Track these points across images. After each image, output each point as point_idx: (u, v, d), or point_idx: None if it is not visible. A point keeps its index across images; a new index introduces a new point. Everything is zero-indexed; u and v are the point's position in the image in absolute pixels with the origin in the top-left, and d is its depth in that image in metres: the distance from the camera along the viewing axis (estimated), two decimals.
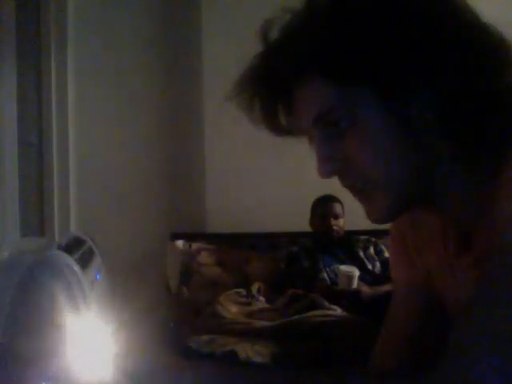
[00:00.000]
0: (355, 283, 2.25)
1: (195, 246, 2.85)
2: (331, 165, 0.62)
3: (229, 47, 2.89)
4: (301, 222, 2.64)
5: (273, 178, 2.94)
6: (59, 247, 0.55)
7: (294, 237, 2.82)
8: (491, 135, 0.59)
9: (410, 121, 0.59)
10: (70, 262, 0.52)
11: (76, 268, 0.52)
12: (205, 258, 2.77)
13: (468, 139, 0.59)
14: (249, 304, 2.24)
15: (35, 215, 2.87)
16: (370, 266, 2.45)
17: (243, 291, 2.37)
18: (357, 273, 2.26)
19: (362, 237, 2.62)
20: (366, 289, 2.23)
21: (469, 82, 0.57)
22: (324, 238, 2.57)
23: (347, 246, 2.55)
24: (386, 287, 2.10)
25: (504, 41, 0.59)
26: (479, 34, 0.59)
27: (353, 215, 2.56)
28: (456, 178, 0.62)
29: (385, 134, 0.59)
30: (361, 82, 0.58)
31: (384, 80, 0.58)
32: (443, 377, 0.50)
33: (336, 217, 2.56)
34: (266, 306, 2.24)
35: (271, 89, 0.65)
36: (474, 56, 0.58)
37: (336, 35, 0.58)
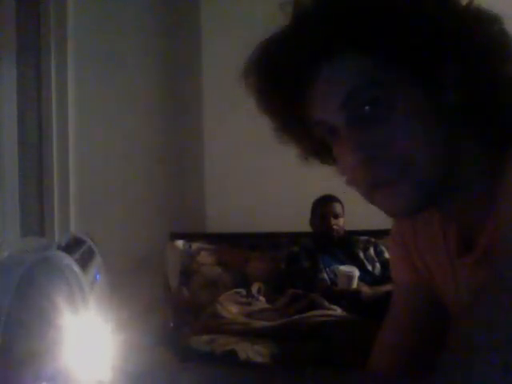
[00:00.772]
0: (355, 283, 2.25)
1: (195, 245, 2.85)
2: (363, 150, 0.56)
3: (229, 45, 2.89)
4: (301, 222, 2.64)
5: (273, 178, 2.94)
6: (59, 247, 0.55)
7: (294, 237, 2.82)
8: (494, 135, 0.59)
9: (441, 105, 0.56)
10: (69, 262, 0.52)
11: (76, 268, 0.52)
12: (205, 257, 2.77)
13: (487, 128, 0.58)
14: (249, 304, 2.24)
15: (35, 215, 2.87)
16: (369, 267, 2.45)
17: (243, 291, 2.37)
18: (357, 273, 2.26)
19: (362, 237, 2.63)
20: (365, 289, 2.23)
21: (495, 72, 0.56)
22: (324, 238, 2.57)
23: (347, 247, 2.55)
24: (386, 287, 2.10)
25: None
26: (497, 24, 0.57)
27: (353, 215, 2.57)
28: (467, 176, 0.61)
29: (419, 117, 0.56)
30: (401, 59, 0.55)
31: (425, 61, 0.54)
32: (445, 377, 0.49)
33: (336, 216, 2.56)
34: (266, 305, 2.24)
35: (289, 71, 0.58)
36: (499, 46, 0.57)
37: (370, 11, 0.54)
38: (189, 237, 2.91)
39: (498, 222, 0.55)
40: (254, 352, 1.77)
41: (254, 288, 2.41)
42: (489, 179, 0.59)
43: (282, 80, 0.60)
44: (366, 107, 0.56)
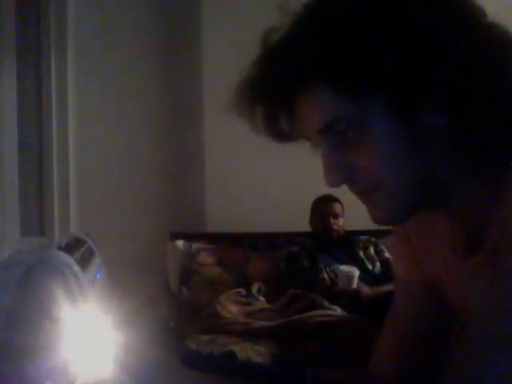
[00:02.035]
0: (355, 283, 2.25)
1: (195, 245, 2.85)
2: (339, 174, 0.61)
3: (229, 47, 2.89)
4: (301, 222, 2.64)
5: (273, 178, 2.94)
6: (59, 247, 0.55)
7: (294, 237, 2.82)
8: (499, 138, 0.59)
9: (418, 128, 0.58)
10: (69, 261, 0.52)
11: (76, 268, 0.52)
12: (205, 257, 2.77)
13: (477, 143, 0.59)
14: (249, 304, 2.24)
15: (35, 215, 2.87)
16: (370, 266, 2.45)
17: (243, 291, 2.37)
18: (357, 273, 2.26)
19: (362, 237, 2.63)
20: (365, 289, 2.23)
21: (477, 88, 0.56)
22: (324, 238, 2.57)
23: (347, 246, 2.55)
24: (386, 287, 2.10)
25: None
26: (489, 38, 0.57)
27: (353, 215, 2.56)
28: (464, 181, 0.61)
29: (393, 142, 0.59)
30: (369, 91, 0.57)
31: (394, 89, 0.56)
32: (457, 379, 0.50)
33: (336, 216, 2.56)
34: (266, 305, 2.24)
35: (272, 97, 0.63)
36: (486, 66, 0.57)
37: (342, 42, 0.56)
38: (189, 237, 2.91)
39: (503, 221, 0.55)
40: (254, 352, 1.77)
41: (254, 288, 2.42)
42: (497, 181, 0.59)
43: (264, 107, 0.64)
44: (342, 133, 0.59)
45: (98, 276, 0.66)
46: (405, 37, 0.55)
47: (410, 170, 0.60)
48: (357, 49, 0.55)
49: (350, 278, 2.25)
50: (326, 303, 2.10)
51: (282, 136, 0.67)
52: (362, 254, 2.52)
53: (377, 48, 0.55)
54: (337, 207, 2.57)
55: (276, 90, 0.61)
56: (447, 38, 0.56)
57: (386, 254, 2.51)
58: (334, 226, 2.55)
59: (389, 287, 2.02)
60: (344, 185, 0.65)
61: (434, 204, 0.64)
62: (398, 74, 0.55)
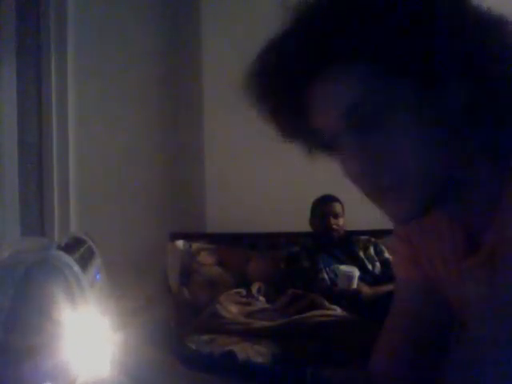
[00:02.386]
0: (355, 283, 2.25)
1: (195, 246, 2.85)
2: (361, 164, 0.58)
3: (229, 47, 2.89)
4: (301, 222, 2.64)
5: (273, 178, 2.94)
6: (59, 247, 0.55)
7: (294, 237, 2.82)
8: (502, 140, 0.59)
9: (445, 115, 0.56)
10: (69, 261, 0.52)
11: (76, 268, 0.52)
12: (205, 257, 2.77)
13: (491, 134, 0.58)
14: (249, 304, 2.24)
15: (35, 215, 2.87)
16: (369, 267, 2.45)
17: (243, 291, 2.37)
18: (357, 273, 2.26)
19: (362, 237, 2.63)
20: (365, 289, 2.23)
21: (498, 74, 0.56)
22: (324, 238, 2.57)
23: (347, 246, 2.55)
24: (386, 287, 2.10)
25: None
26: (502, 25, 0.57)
27: (353, 215, 2.57)
28: (473, 179, 0.61)
29: (422, 127, 0.56)
30: (401, 71, 0.54)
31: (425, 70, 0.54)
32: (457, 379, 0.50)
33: (336, 216, 2.56)
34: (266, 305, 2.24)
35: (289, 80, 0.58)
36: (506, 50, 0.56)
37: (376, 14, 0.53)
38: (189, 237, 2.91)
39: (504, 221, 0.55)
40: (253, 352, 1.77)
41: (254, 288, 2.41)
42: (496, 182, 0.59)
43: (280, 91, 0.60)
44: (366, 118, 0.56)
45: (97, 276, 0.66)
46: (426, 21, 0.53)
47: (434, 158, 0.57)
48: (383, 27, 0.53)
49: (349, 278, 2.25)
50: (326, 303, 2.09)
51: (289, 128, 0.64)
52: (361, 254, 2.52)
53: (402, 29, 0.53)
54: (337, 207, 2.57)
55: (296, 73, 0.57)
56: (469, 19, 0.55)
57: (386, 254, 2.50)
58: (334, 226, 2.55)
59: (389, 287, 2.02)
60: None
61: (445, 202, 0.63)
62: (425, 53, 0.53)
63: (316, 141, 0.65)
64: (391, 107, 0.56)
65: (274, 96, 0.61)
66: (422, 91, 0.55)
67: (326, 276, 2.41)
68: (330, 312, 2.03)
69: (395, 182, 0.58)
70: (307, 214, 2.65)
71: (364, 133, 0.57)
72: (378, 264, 2.48)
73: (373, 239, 2.61)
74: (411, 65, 0.54)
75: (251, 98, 0.62)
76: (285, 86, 0.59)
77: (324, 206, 2.59)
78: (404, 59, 0.54)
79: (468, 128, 0.58)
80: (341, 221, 2.58)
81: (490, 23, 0.56)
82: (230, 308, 2.16)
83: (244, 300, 2.28)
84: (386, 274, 2.37)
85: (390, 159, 0.57)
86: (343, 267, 2.32)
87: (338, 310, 2.06)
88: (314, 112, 0.60)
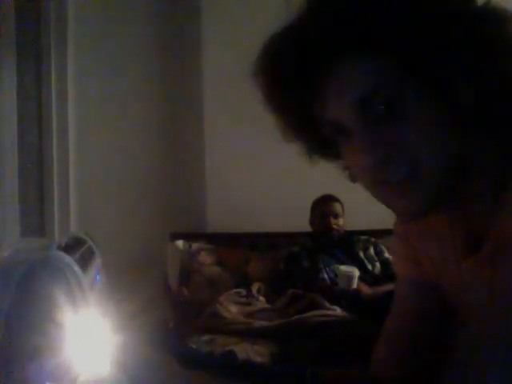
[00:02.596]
0: (355, 283, 2.25)
1: (195, 245, 2.85)
2: (377, 151, 0.56)
3: (229, 47, 2.89)
4: (301, 222, 2.64)
5: (273, 178, 2.94)
6: (59, 247, 0.55)
7: (294, 237, 2.82)
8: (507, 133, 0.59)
9: (458, 109, 0.56)
10: (70, 261, 0.52)
11: (76, 268, 0.52)
12: (205, 257, 2.77)
13: (492, 140, 0.58)
14: (249, 304, 2.24)
15: (35, 215, 2.87)
16: (369, 267, 2.45)
17: (243, 291, 2.37)
18: (357, 273, 2.26)
19: (362, 237, 2.63)
20: (365, 289, 2.23)
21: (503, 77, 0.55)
22: (324, 238, 2.57)
23: (347, 246, 2.55)
24: (386, 287, 2.10)
25: None
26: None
27: (353, 215, 2.57)
28: (476, 178, 0.61)
29: (433, 120, 0.56)
30: (415, 60, 0.54)
31: (439, 62, 0.53)
32: (458, 379, 0.50)
33: (336, 216, 2.56)
34: (266, 305, 2.24)
35: (299, 69, 0.57)
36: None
37: (393, 5, 0.53)
38: (189, 237, 2.91)
39: (504, 221, 0.55)
40: (253, 352, 1.77)
41: (254, 288, 2.41)
42: (497, 181, 0.59)
43: (291, 79, 0.59)
44: (380, 108, 0.56)
45: (97, 277, 0.66)
46: (445, 14, 0.53)
47: (449, 149, 0.57)
48: (398, 19, 0.53)
49: (349, 278, 2.25)
50: (326, 303, 2.09)
51: (299, 119, 0.62)
52: (361, 254, 2.51)
53: (417, 21, 0.53)
54: (337, 207, 2.57)
55: (312, 57, 0.56)
56: (481, 17, 0.55)
57: (386, 254, 2.50)
58: (334, 226, 2.55)
59: (389, 287, 2.02)
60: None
61: (449, 201, 0.62)
62: (438, 49, 0.53)
63: (318, 140, 0.65)
64: (403, 99, 0.55)
65: (285, 84, 0.60)
66: (435, 86, 0.55)
67: (326, 276, 2.41)
68: (329, 312, 2.03)
69: (405, 175, 0.57)
70: (307, 214, 2.65)
71: (376, 124, 0.57)
72: (377, 264, 2.48)
73: (373, 239, 2.61)
74: (425, 59, 0.54)
75: (260, 87, 0.61)
76: (297, 73, 0.58)
77: (324, 206, 2.59)
78: (418, 53, 0.53)
79: (476, 127, 0.58)
80: (341, 221, 2.58)
81: (497, 19, 0.56)
82: (230, 308, 2.16)
83: (244, 300, 2.28)
84: (386, 274, 2.37)
85: (401, 152, 0.56)
86: (343, 267, 2.32)
87: (337, 310, 2.05)
88: (326, 101, 0.59)
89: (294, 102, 0.61)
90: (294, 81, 0.59)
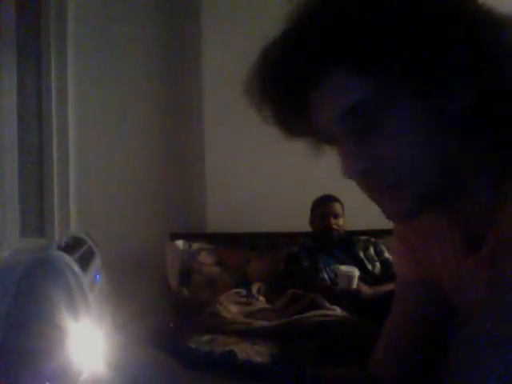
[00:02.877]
0: (355, 283, 2.25)
1: (195, 246, 2.85)
2: (359, 161, 0.58)
3: (229, 47, 2.90)
4: (301, 222, 2.64)
5: (273, 178, 2.94)
6: (59, 247, 0.55)
7: (294, 237, 2.82)
8: (503, 136, 0.59)
9: (441, 118, 0.56)
10: (69, 261, 0.52)
11: (76, 268, 0.52)
12: (205, 257, 2.77)
13: (491, 135, 0.58)
14: (249, 304, 2.24)
15: (35, 215, 2.87)
16: (369, 267, 2.45)
17: (243, 291, 2.37)
18: (357, 273, 2.26)
19: (362, 237, 2.63)
20: (365, 289, 2.23)
21: (500, 80, 0.56)
22: (324, 238, 2.57)
23: (347, 247, 2.55)
24: (386, 287, 2.10)
25: None
26: (503, 27, 0.56)
27: (353, 215, 2.57)
28: (473, 179, 0.61)
29: (415, 128, 0.57)
30: (394, 75, 0.55)
31: (420, 75, 0.54)
32: (457, 379, 0.50)
33: (336, 216, 2.56)
34: (266, 306, 2.24)
35: (287, 84, 0.59)
36: (503, 53, 0.56)
37: (365, 26, 0.53)
38: (189, 237, 2.91)
39: (504, 221, 0.55)
40: (253, 352, 1.77)
41: (254, 288, 2.42)
42: (496, 181, 0.59)
43: (280, 93, 0.61)
44: (363, 121, 0.57)
45: (97, 277, 0.66)
46: (428, 23, 0.54)
47: (431, 160, 0.58)
48: (381, 33, 0.53)
49: (349, 278, 2.25)
50: (326, 303, 2.09)
51: (291, 129, 0.65)
52: (361, 254, 2.52)
53: (401, 34, 0.53)
54: (337, 207, 2.57)
55: (292, 76, 0.58)
56: (467, 24, 0.55)
57: (386, 255, 2.51)
58: (334, 226, 2.55)
59: (389, 287, 2.02)
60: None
61: (443, 202, 0.63)
62: (421, 59, 0.54)
63: (320, 138, 0.66)
64: (387, 112, 0.56)
65: (276, 100, 0.62)
66: (421, 96, 0.56)
67: (326, 276, 2.41)
68: (329, 312, 2.03)
69: (392, 182, 0.59)
70: (307, 214, 2.65)
71: (360, 136, 0.58)
72: (377, 264, 2.48)
73: (373, 239, 2.61)
74: (410, 74, 0.54)
75: (252, 103, 0.63)
76: (286, 90, 0.60)
77: (324, 206, 2.59)
78: (402, 68, 0.54)
79: (468, 130, 0.58)
80: (341, 221, 2.58)
81: (490, 23, 0.56)
82: (230, 308, 2.16)
83: (244, 300, 2.29)
84: (386, 274, 2.38)
85: (384, 163, 0.58)
86: (343, 267, 2.32)
87: (337, 310, 2.06)
88: (313, 113, 0.61)
89: (287, 116, 0.63)
90: (281, 94, 0.61)
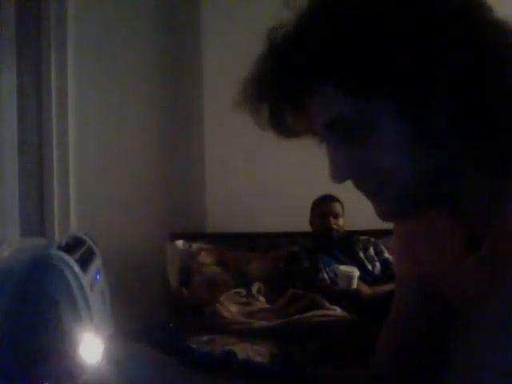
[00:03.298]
0: (355, 283, 2.25)
1: (195, 246, 2.85)
2: (345, 169, 0.62)
3: (228, 47, 2.90)
4: (301, 222, 2.64)
5: (273, 178, 2.94)
6: (59, 247, 0.55)
7: (294, 237, 2.82)
8: (503, 136, 0.59)
9: (424, 126, 0.58)
10: (70, 261, 0.52)
11: (76, 268, 0.52)
12: (205, 257, 2.77)
13: (481, 142, 0.59)
14: (249, 304, 2.24)
15: (35, 215, 2.87)
16: (369, 267, 2.45)
17: (243, 291, 2.37)
18: (356, 273, 2.26)
19: (362, 237, 2.63)
20: (365, 289, 2.23)
21: (485, 86, 0.56)
22: (324, 238, 2.57)
23: (347, 247, 2.55)
24: (386, 287, 2.10)
25: None
26: (496, 35, 0.57)
27: (353, 215, 2.57)
28: (468, 179, 0.61)
29: (398, 139, 0.59)
30: (375, 93, 0.57)
31: (399, 89, 0.56)
32: (457, 379, 0.50)
33: (335, 216, 2.56)
34: (266, 306, 2.24)
35: (281, 95, 0.63)
36: (491, 61, 0.56)
37: (349, 44, 0.55)
38: (189, 237, 2.91)
39: (504, 221, 0.55)
40: (253, 352, 1.77)
41: (254, 288, 2.42)
42: (499, 181, 0.59)
43: (272, 104, 0.64)
44: (347, 131, 0.60)
45: (97, 276, 0.66)
46: (413, 40, 0.54)
47: (415, 166, 0.59)
48: (364, 52, 0.55)
49: (349, 278, 2.25)
50: (326, 303, 2.09)
51: (288, 132, 0.67)
52: (361, 254, 2.52)
53: (385, 52, 0.55)
54: (337, 207, 2.57)
55: (285, 89, 0.62)
56: (456, 39, 0.55)
57: (386, 255, 2.51)
58: (334, 226, 2.55)
59: (389, 287, 2.02)
60: (344, 184, 0.64)
61: (439, 202, 0.64)
62: (406, 75, 0.55)
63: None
64: (369, 124, 0.59)
65: (271, 103, 0.65)
66: (406, 109, 0.57)
67: (326, 276, 2.41)
68: (329, 312, 2.03)
69: (373, 190, 0.62)
70: (307, 213, 2.65)
71: (344, 144, 0.61)
72: (377, 264, 2.48)
73: (373, 239, 2.61)
74: (392, 87, 0.56)
75: (249, 111, 0.66)
76: (279, 96, 0.63)
77: (324, 206, 2.59)
78: (385, 86, 0.56)
79: (455, 139, 0.59)
80: (341, 221, 2.58)
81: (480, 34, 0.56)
82: (230, 308, 2.16)
83: (244, 300, 2.29)
84: (386, 274, 2.38)
85: (366, 171, 0.61)
86: (343, 267, 2.32)
87: (337, 310, 2.06)
88: (306, 118, 0.64)
89: (280, 119, 0.66)
90: (276, 105, 0.64)
